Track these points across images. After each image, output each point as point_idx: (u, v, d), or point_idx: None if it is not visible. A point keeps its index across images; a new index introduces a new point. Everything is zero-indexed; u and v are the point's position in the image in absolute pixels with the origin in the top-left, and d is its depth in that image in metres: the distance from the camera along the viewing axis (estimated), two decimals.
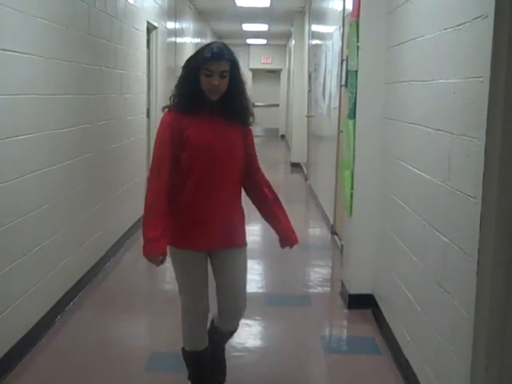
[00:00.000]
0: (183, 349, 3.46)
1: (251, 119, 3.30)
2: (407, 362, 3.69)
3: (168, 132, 3.18)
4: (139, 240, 7.22)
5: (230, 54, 3.16)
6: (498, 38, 2.42)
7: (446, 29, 3.08)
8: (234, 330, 3.51)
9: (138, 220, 7.63)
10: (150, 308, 5.19)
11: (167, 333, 4.54)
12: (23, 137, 3.98)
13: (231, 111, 3.20)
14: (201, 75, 3.11)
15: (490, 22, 2.46)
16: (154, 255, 3.12)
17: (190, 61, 3.19)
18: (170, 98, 3.27)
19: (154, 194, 3.14)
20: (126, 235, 6.98)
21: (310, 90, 11.50)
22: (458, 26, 2.88)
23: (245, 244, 3.35)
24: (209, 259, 3.32)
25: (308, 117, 11.75)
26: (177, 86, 3.26)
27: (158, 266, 3.17)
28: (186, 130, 3.14)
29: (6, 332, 3.80)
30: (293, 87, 14.92)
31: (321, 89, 9.15)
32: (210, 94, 3.14)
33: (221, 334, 3.48)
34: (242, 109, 3.24)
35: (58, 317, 4.67)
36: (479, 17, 2.60)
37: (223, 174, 3.17)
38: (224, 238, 3.24)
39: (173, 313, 4.97)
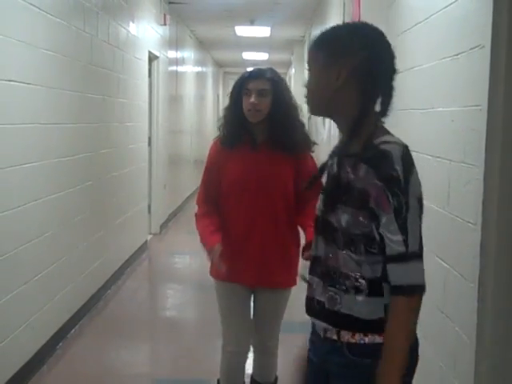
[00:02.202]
0: (218, 381, 3.34)
1: (306, 146, 3.14)
2: None
3: (209, 163, 3.20)
4: (140, 268, 7.29)
5: (273, 73, 3.10)
6: (494, 68, 2.46)
7: (444, 58, 3.13)
8: (271, 382, 3.36)
9: (139, 248, 7.66)
10: (151, 335, 5.19)
11: (169, 360, 4.53)
12: (26, 165, 4.02)
13: (277, 139, 3.06)
14: (243, 97, 3.06)
15: (486, 52, 2.50)
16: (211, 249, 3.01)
17: (234, 85, 3.15)
18: (218, 128, 3.22)
19: (201, 214, 3.16)
20: (127, 263, 6.99)
21: (310, 118, 11.58)
22: (456, 55, 2.93)
23: (288, 285, 3.20)
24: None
25: (316, 144, 11.77)
26: (224, 114, 3.21)
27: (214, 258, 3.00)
28: (224, 164, 3.12)
29: (7, 360, 3.80)
30: (302, 114, 14.98)
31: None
32: (249, 116, 3.04)
33: None
34: (290, 135, 3.07)
35: (59, 345, 4.66)
36: (476, 47, 2.64)
37: (260, 210, 3.08)
38: (262, 276, 3.12)
39: (174, 340, 4.98)
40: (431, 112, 3.35)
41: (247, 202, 3.08)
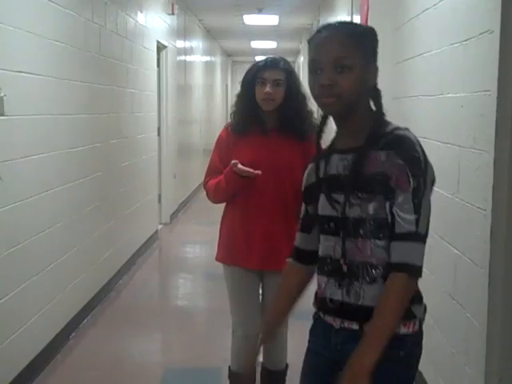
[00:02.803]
0: (229, 367, 3.37)
1: (314, 133, 3.23)
2: (421, 374, 3.69)
3: (218, 146, 3.25)
4: (151, 257, 7.32)
5: (286, 64, 3.15)
6: (504, 53, 2.45)
7: (452, 44, 3.12)
8: (282, 369, 3.39)
9: (150, 238, 7.68)
10: (162, 325, 5.22)
11: (180, 349, 4.56)
12: (36, 156, 4.04)
13: (287, 127, 3.13)
14: (256, 86, 3.10)
15: (496, 37, 2.50)
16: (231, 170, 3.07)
17: (247, 73, 3.19)
18: (230, 115, 3.28)
19: (208, 181, 3.23)
20: (138, 253, 7.02)
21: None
22: (465, 41, 2.92)
23: None
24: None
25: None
26: (236, 102, 3.26)
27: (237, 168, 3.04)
28: (234, 148, 3.15)
29: (21, 349, 3.83)
30: (310, 103, 14.95)
31: None
32: (263, 105, 3.10)
33: (269, 374, 3.38)
34: (300, 123, 3.13)
35: (73, 334, 4.70)
36: (485, 32, 2.63)
37: (269, 194, 3.12)
38: (270, 258, 3.15)
39: (185, 329, 5.00)
40: (440, 98, 3.34)
41: (256, 186, 3.11)
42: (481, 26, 2.70)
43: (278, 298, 2.22)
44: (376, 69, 1.88)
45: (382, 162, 1.77)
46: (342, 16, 7.79)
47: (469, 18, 2.90)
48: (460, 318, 2.97)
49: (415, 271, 1.74)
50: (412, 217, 1.73)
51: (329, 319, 1.91)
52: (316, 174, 1.97)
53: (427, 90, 3.64)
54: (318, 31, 1.89)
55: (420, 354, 1.89)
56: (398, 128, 1.83)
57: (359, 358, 1.72)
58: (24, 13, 3.85)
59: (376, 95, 1.91)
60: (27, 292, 3.89)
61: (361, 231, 1.82)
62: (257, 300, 3.27)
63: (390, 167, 1.76)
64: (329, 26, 1.88)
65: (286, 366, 3.40)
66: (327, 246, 1.92)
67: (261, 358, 3.40)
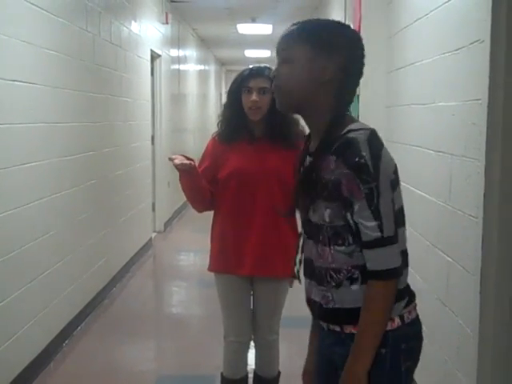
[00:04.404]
0: (221, 374, 3.37)
1: (301, 140, 3.23)
2: (413, 380, 3.70)
3: (205, 156, 3.26)
4: (145, 265, 7.32)
5: (271, 72, 3.17)
6: (494, 62, 2.48)
7: (444, 53, 3.15)
8: (274, 377, 3.38)
9: (144, 246, 7.69)
10: (156, 332, 5.22)
11: (174, 356, 4.56)
12: (29, 165, 4.04)
13: (274, 133, 3.14)
14: (242, 94, 3.12)
15: (486, 47, 2.53)
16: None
17: (233, 82, 3.21)
18: (217, 124, 3.29)
19: None
20: (132, 261, 7.02)
21: None
22: (456, 50, 2.95)
23: (286, 275, 3.14)
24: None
25: None
26: (222, 111, 3.28)
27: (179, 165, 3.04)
28: (222, 157, 3.16)
29: (14, 357, 3.83)
30: None
31: None
32: (250, 114, 3.12)
33: (261, 381, 3.38)
34: (287, 130, 3.15)
35: (66, 341, 4.70)
36: (476, 41, 2.66)
37: (258, 201, 3.13)
38: (260, 265, 3.16)
39: (179, 336, 5.01)
40: (432, 106, 3.37)
41: (246, 193, 3.13)
42: (471, 35, 2.73)
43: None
44: (334, 66, 1.77)
45: (332, 169, 1.74)
46: None
47: (460, 27, 2.93)
48: (452, 325, 2.99)
49: (390, 275, 1.74)
50: (374, 223, 1.71)
51: (320, 321, 1.94)
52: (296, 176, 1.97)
53: (419, 99, 3.67)
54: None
55: (411, 347, 1.87)
56: (351, 130, 1.76)
57: (351, 366, 1.75)
58: (18, 22, 3.87)
59: (340, 94, 1.82)
60: (21, 299, 3.89)
61: (320, 237, 1.82)
62: (248, 306, 3.29)
63: (339, 176, 1.73)
64: (295, 23, 1.86)
65: (278, 373, 3.41)
66: (306, 247, 1.93)
67: (253, 366, 3.41)
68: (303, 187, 1.86)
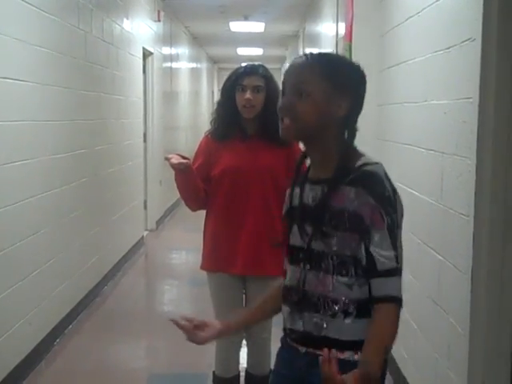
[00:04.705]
0: (213, 372, 3.38)
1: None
2: (405, 379, 3.72)
3: (198, 154, 3.25)
4: (136, 264, 7.30)
5: (265, 70, 3.17)
6: (485, 60, 2.48)
7: (436, 51, 3.15)
8: (265, 375, 3.36)
9: (136, 244, 7.68)
10: (148, 330, 5.21)
11: (166, 354, 4.56)
12: (21, 162, 4.03)
13: (268, 132, 3.12)
14: (236, 92, 3.12)
15: (477, 45, 2.53)
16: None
17: (226, 80, 3.21)
18: (210, 122, 3.29)
19: None
20: (124, 259, 7.00)
21: None
22: (448, 48, 2.96)
23: (278, 274, 3.24)
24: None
25: None
26: (216, 109, 3.28)
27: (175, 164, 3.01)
28: (215, 155, 3.16)
29: (5, 356, 3.82)
30: None
31: None
32: (244, 113, 3.12)
33: (253, 380, 3.39)
34: (278, 129, 3.18)
35: (57, 340, 4.68)
36: (467, 40, 2.67)
37: (251, 199, 3.13)
38: (252, 264, 3.17)
39: (171, 334, 4.96)
40: (424, 105, 3.37)
41: (239, 190, 3.13)
42: (463, 34, 2.73)
43: (254, 308, 2.21)
44: (347, 104, 1.83)
45: (352, 199, 1.77)
46: (327, 23, 7.84)
47: (451, 26, 2.93)
48: (443, 324, 2.99)
49: (401, 303, 1.78)
50: (392, 253, 1.76)
51: (294, 344, 1.92)
52: (290, 202, 1.95)
53: (411, 97, 3.67)
54: (296, 57, 1.92)
55: (383, 378, 1.85)
56: (367, 163, 1.81)
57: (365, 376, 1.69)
58: (9, 19, 3.85)
59: (349, 129, 1.87)
60: (12, 298, 3.88)
61: (323, 265, 1.83)
62: (240, 305, 3.28)
63: (361, 206, 1.76)
64: (307, 53, 1.89)
65: (270, 371, 3.41)
66: (293, 276, 1.91)
67: (245, 364, 3.41)
68: (311, 217, 1.85)
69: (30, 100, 4.19)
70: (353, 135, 1.88)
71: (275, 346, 3.36)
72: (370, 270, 1.77)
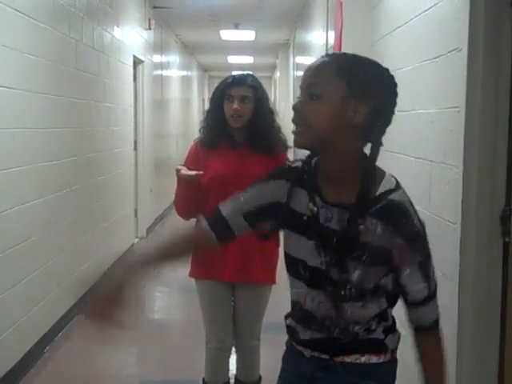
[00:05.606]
0: (203, 379, 3.39)
1: (282, 148, 3.25)
2: None
3: (188, 162, 3.27)
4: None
5: (254, 80, 3.20)
6: (471, 70, 2.52)
7: (424, 61, 3.19)
8: (255, 381, 3.40)
9: (126, 252, 7.67)
10: (138, 337, 5.20)
11: (156, 362, 4.56)
12: (11, 170, 4.03)
13: (255, 141, 3.17)
14: (224, 102, 3.15)
15: (464, 55, 2.57)
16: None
17: (215, 90, 3.25)
18: (199, 130, 3.33)
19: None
20: (115, 266, 6.99)
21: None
22: (435, 58, 2.99)
23: (267, 282, 3.27)
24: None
25: (290, 147, 11.84)
26: (205, 117, 3.32)
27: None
28: (204, 163, 3.18)
29: None
30: (278, 118, 15.06)
31: None
32: (232, 122, 3.15)
33: None
34: (268, 138, 3.19)
35: (47, 347, 4.68)
36: (454, 50, 2.70)
37: None
38: (241, 272, 3.19)
39: (161, 341, 5.00)
40: (413, 114, 3.41)
41: (227, 197, 3.13)
42: (450, 43, 2.77)
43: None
44: (366, 110, 1.63)
45: (379, 234, 1.64)
46: (317, 32, 7.89)
47: (439, 35, 2.97)
48: None
49: (439, 322, 1.79)
50: (423, 285, 1.72)
51: (300, 348, 1.86)
52: (309, 207, 1.73)
53: (400, 106, 3.65)
54: (317, 58, 1.75)
55: (393, 381, 1.88)
56: (391, 190, 1.66)
57: None
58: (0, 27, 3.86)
59: (372, 142, 1.69)
60: (2, 304, 3.88)
61: (341, 292, 1.72)
62: (229, 312, 3.30)
63: (390, 243, 1.65)
64: (329, 54, 1.75)
65: (260, 378, 3.43)
66: (297, 292, 1.81)
67: (234, 370, 3.43)
68: (336, 246, 1.69)
69: (20, 108, 4.20)
70: (376, 151, 1.68)
71: (264, 352, 3.41)
72: (403, 299, 1.76)
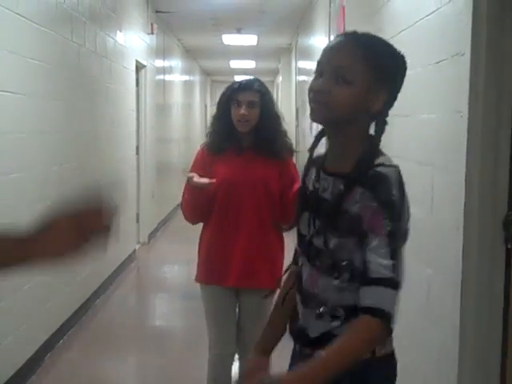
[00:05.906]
0: None
1: (288, 152, 3.26)
2: None
3: (195, 167, 3.26)
4: (128, 277, 7.27)
5: (261, 85, 3.21)
6: (474, 74, 2.50)
7: (426, 65, 3.17)
8: None
9: (128, 257, 7.65)
10: (139, 345, 5.19)
11: (157, 369, 4.53)
12: (12, 175, 4.02)
13: (262, 145, 3.18)
14: (231, 107, 3.15)
15: (466, 59, 2.55)
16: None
17: (222, 95, 3.25)
18: (206, 135, 3.33)
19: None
20: (115, 273, 6.98)
21: (297, 126, 11.63)
22: (438, 62, 2.97)
23: (272, 287, 3.25)
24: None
25: (296, 152, 11.83)
26: (212, 123, 3.32)
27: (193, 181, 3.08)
28: (210, 168, 3.18)
29: None
30: (284, 122, 15.06)
31: (308, 121, 9.26)
32: (239, 126, 3.15)
33: None
34: (274, 142, 3.20)
35: (48, 355, 4.65)
36: (457, 54, 2.68)
37: (245, 211, 3.15)
38: (246, 277, 3.18)
39: (163, 349, 4.98)
40: (415, 118, 3.39)
41: (233, 203, 3.16)
42: (453, 48, 2.75)
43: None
44: (385, 97, 1.71)
45: (356, 200, 1.65)
46: (319, 37, 7.88)
47: (442, 39, 2.95)
48: (433, 337, 2.99)
49: (387, 318, 1.59)
50: (389, 262, 1.59)
51: (294, 343, 1.89)
52: (303, 183, 1.86)
53: (402, 110, 3.67)
54: (338, 35, 1.79)
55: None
56: (382, 164, 1.68)
57: (292, 378, 1.60)
58: (2, 31, 3.85)
59: (379, 123, 1.75)
60: (2, 313, 3.86)
61: (317, 262, 1.74)
62: (233, 318, 3.29)
63: (363, 208, 1.63)
64: (350, 33, 1.75)
65: None
66: (300, 265, 1.86)
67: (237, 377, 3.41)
68: (325, 213, 1.73)
69: (23, 113, 4.19)
70: (381, 130, 1.75)
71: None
72: (362, 276, 1.63)
